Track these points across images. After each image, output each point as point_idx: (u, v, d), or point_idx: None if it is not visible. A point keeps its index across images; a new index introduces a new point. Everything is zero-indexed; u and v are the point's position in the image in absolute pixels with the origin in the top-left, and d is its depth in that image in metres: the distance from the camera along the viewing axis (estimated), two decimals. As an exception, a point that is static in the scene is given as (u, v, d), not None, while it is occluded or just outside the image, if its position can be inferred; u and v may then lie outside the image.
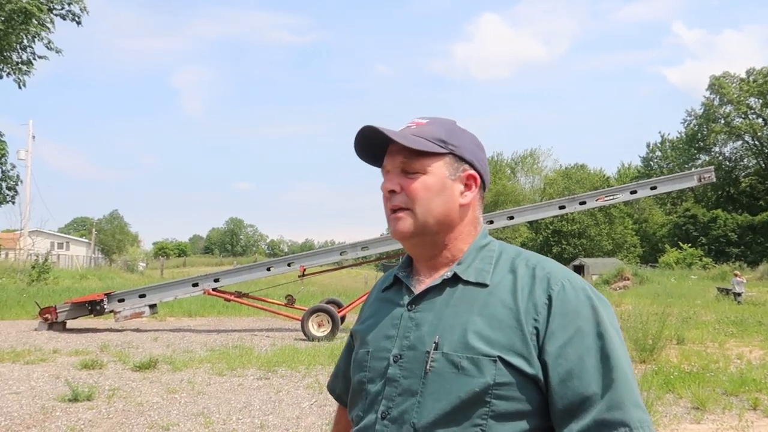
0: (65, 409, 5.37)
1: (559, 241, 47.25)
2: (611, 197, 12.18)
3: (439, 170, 1.07)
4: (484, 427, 0.95)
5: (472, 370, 0.95)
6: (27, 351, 8.32)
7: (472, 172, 1.10)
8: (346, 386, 1.24)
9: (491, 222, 12.16)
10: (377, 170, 1.15)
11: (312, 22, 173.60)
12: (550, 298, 0.98)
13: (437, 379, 0.98)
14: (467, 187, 1.10)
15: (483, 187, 1.13)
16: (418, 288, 1.09)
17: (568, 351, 0.95)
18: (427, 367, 0.99)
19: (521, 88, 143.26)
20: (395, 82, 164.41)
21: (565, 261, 38.12)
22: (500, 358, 0.95)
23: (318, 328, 10.22)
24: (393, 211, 1.08)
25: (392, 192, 1.08)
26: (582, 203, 11.94)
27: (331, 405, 5.55)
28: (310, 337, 10.00)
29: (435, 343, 0.99)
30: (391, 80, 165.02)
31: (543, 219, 31.77)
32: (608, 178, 54.54)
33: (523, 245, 46.25)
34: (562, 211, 12.35)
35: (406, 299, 1.09)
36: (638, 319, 8.44)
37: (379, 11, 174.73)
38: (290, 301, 11.42)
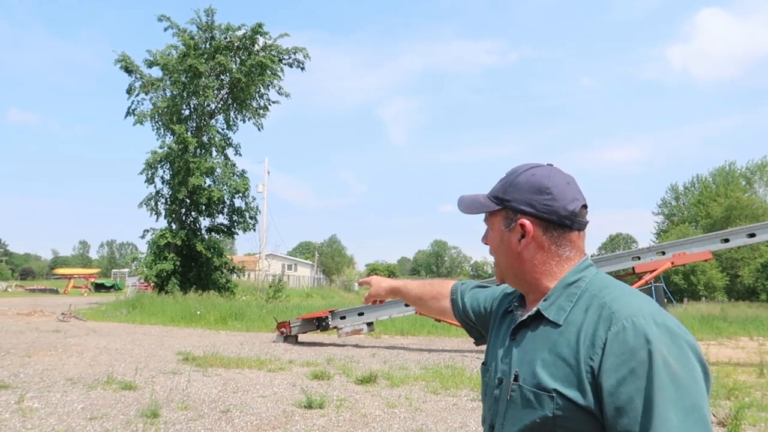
0: (302, 414, 6.00)
1: (814, 262, 39.76)
2: None
3: (497, 225, 1.24)
4: None
5: (535, 402, 1.09)
6: (268, 360, 9.49)
7: (523, 219, 1.19)
8: (464, 305, 1.53)
9: (726, 240, 10.73)
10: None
11: (511, 43, 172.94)
12: (607, 339, 1.04)
13: (514, 407, 1.13)
14: (523, 235, 1.20)
15: (555, 224, 1.17)
16: (518, 320, 1.23)
17: (620, 390, 1.00)
18: (508, 396, 1.15)
19: (756, 86, 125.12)
20: (603, 94, 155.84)
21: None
22: (557, 392, 1.06)
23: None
24: None
25: (486, 244, 1.30)
26: None
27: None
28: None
29: (515, 374, 1.15)
30: (598, 93, 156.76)
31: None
32: None
33: (764, 266, 39.93)
34: (820, 227, 10.46)
35: (511, 329, 1.24)
36: None
37: (578, 23, 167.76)
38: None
